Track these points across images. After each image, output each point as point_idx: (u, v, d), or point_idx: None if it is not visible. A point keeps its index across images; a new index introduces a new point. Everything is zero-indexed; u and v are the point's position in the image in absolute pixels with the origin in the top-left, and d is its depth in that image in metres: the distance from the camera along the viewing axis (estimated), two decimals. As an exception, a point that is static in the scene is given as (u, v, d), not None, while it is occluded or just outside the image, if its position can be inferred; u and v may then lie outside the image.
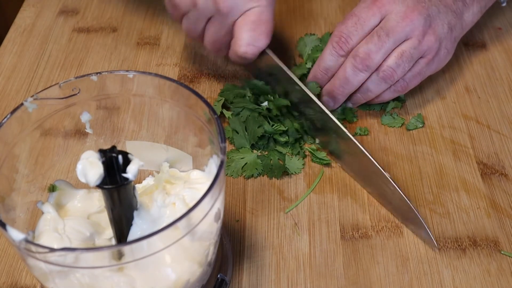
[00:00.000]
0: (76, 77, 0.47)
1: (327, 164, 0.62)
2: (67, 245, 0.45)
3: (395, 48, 0.63)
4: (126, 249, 0.39)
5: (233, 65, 0.73)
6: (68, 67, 0.74)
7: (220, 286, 0.52)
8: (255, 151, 0.63)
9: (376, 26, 0.64)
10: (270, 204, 0.59)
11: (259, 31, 0.62)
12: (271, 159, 0.62)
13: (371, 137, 0.66)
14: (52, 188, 0.50)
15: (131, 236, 0.44)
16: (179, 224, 0.39)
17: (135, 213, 0.44)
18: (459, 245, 0.56)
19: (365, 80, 0.64)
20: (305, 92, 0.62)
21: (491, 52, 0.76)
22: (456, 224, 0.58)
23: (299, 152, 0.63)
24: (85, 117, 0.50)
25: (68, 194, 0.50)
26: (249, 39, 0.62)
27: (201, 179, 0.50)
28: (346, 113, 0.67)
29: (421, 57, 0.64)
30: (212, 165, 0.49)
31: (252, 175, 0.61)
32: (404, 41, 0.63)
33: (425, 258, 0.55)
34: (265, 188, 0.61)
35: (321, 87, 0.66)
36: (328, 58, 0.65)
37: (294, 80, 0.63)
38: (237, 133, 0.63)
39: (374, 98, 0.66)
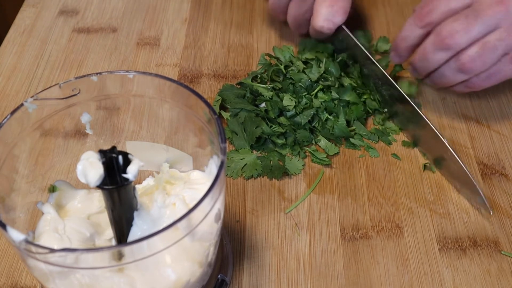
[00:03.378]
0: (76, 78, 0.47)
1: (327, 165, 0.62)
2: (67, 245, 0.45)
3: (481, 37, 0.59)
4: (126, 249, 0.39)
5: (233, 65, 0.73)
6: (68, 67, 0.74)
7: (221, 287, 0.52)
8: (254, 152, 0.63)
9: (467, 5, 0.60)
10: (270, 204, 0.59)
11: (336, 7, 0.67)
12: (270, 160, 0.62)
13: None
14: (52, 189, 0.50)
15: (131, 236, 0.44)
16: (179, 224, 0.39)
17: (135, 214, 0.44)
18: (459, 245, 0.56)
19: (443, 64, 0.62)
20: (380, 70, 0.65)
21: (491, 52, 0.75)
22: (457, 224, 0.58)
23: (299, 153, 0.63)
24: (85, 118, 0.50)
25: (68, 195, 0.50)
26: (327, 14, 0.67)
27: (201, 179, 0.50)
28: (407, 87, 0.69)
29: (506, 54, 0.59)
30: (212, 166, 0.48)
31: (252, 176, 0.61)
32: (492, 30, 0.59)
33: (425, 259, 0.55)
34: (265, 189, 0.61)
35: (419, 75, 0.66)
36: (408, 28, 0.64)
37: (370, 59, 0.66)
38: (236, 134, 0.63)
39: (449, 86, 0.65)
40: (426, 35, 0.62)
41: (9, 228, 0.38)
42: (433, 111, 0.68)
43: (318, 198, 0.60)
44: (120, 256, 0.39)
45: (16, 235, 0.38)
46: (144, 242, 0.38)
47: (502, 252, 0.56)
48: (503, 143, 0.65)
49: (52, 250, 0.37)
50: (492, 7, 0.58)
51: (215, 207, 0.43)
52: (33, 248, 0.38)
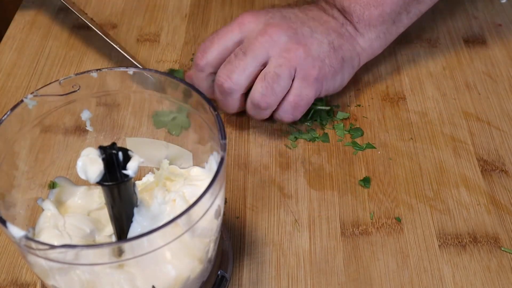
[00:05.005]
0: (76, 74, 0.47)
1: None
2: (67, 242, 0.45)
3: (259, 70, 0.59)
4: (126, 246, 0.39)
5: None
6: (68, 63, 0.74)
7: (221, 283, 0.52)
8: None
9: (239, 42, 0.61)
10: (270, 200, 0.59)
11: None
12: None
13: (371, 134, 0.65)
14: (52, 185, 0.50)
15: (131, 233, 0.44)
16: (179, 221, 0.39)
17: (135, 210, 0.44)
18: (459, 242, 0.56)
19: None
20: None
21: (491, 49, 0.75)
22: (457, 221, 0.58)
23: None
24: (85, 115, 0.50)
25: (68, 191, 0.50)
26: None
27: (201, 176, 0.50)
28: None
29: (294, 77, 0.60)
30: (212, 162, 0.49)
31: None
32: (267, 61, 0.59)
33: (425, 255, 0.55)
34: (265, 185, 0.61)
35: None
36: (194, 76, 0.63)
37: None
38: None
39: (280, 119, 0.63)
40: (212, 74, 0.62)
41: (9, 225, 0.38)
42: (433, 107, 0.68)
43: (318, 195, 0.60)
44: (120, 253, 0.39)
45: (16, 231, 0.38)
46: (144, 238, 0.38)
47: (502, 249, 0.56)
48: (503, 140, 0.65)
49: (52, 247, 0.37)
50: (258, 39, 0.59)
51: (215, 203, 0.43)
52: (33, 245, 0.38)
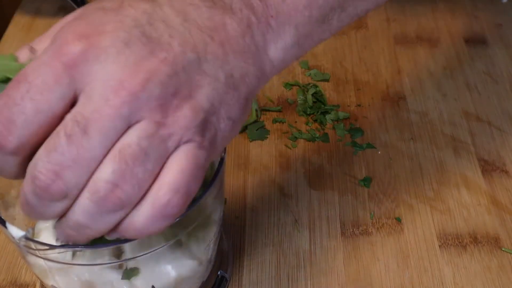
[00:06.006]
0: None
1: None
2: (67, 242, 0.45)
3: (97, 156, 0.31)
4: (126, 246, 0.39)
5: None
6: (68, 63, 0.73)
7: (221, 283, 0.52)
8: None
9: (64, 107, 0.32)
10: (270, 200, 0.59)
11: None
12: None
13: (371, 134, 0.65)
14: None
15: (131, 233, 0.44)
16: (178, 221, 0.39)
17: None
18: (459, 242, 0.56)
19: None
20: None
21: (491, 49, 0.75)
22: (457, 221, 0.58)
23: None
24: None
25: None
26: None
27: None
28: None
29: (171, 152, 0.33)
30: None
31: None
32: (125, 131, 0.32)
33: (425, 255, 0.55)
34: (265, 185, 0.61)
35: None
36: None
37: None
38: None
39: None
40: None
41: (8, 225, 0.38)
42: (433, 107, 0.68)
43: (318, 195, 0.60)
44: (120, 253, 0.39)
45: (16, 231, 0.38)
46: (144, 239, 0.38)
47: (503, 249, 0.56)
48: (504, 140, 0.65)
49: (52, 247, 0.37)
50: (109, 100, 0.31)
51: (215, 203, 0.43)
52: (33, 245, 0.38)
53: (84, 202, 0.32)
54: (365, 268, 0.54)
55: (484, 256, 0.55)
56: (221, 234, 0.52)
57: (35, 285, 0.53)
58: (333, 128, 0.66)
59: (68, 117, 0.31)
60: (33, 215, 0.33)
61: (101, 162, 0.32)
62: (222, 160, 0.42)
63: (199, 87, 0.33)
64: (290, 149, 0.64)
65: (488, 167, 0.62)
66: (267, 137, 0.64)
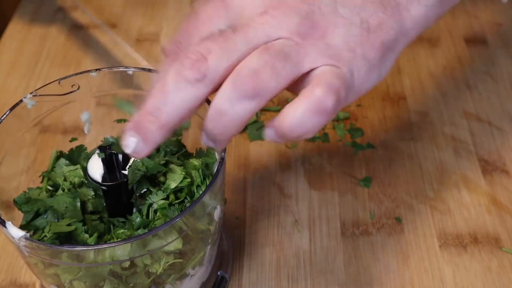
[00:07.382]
0: (76, 74, 0.47)
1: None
2: (67, 242, 0.45)
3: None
4: (126, 246, 0.39)
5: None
6: (67, 63, 0.74)
7: (221, 283, 0.52)
8: None
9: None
10: (270, 200, 0.59)
11: None
12: None
13: (372, 134, 0.65)
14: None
15: (131, 233, 0.44)
16: (178, 221, 0.39)
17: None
18: (460, 242, 0.56)
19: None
20: None
21: (492, 48, 0.75)
22: (457, 221, 0.58)
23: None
24: (85, 117, 0.49)
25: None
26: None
27: (201, 176, 0.50)
28: None
29: (310, 77, 0.38)
30: (212, 162, 0.48)
31: None
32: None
33: (426, 255, 0.55)
34: (265, 185, 0.61)
35: None
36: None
37: None
38: None
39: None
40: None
41: (8, 225, 0.38)
42: (434, 107, 0.68)
43: (318, 195, 0.60)
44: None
45: (16, 232, 0.38)
46: (144, 239, 0.38)
47: (503, 249, 0.56)
48: (504, 140, 0.65)
49: (52, 247, 0.37)
50: (255, 19, 0.38)
51: (215, 203, 0.43)
52: (33, 245, 0.38)
53: (225, 86, 0.36)
54: (365, 268, 0.54)
55: (485, 256, 0.55)
56: (221, 234, 0.52)
57: (35, 285, 0.53)
58: (333, 128, 0.66)
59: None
60: (165, 99, 0.37)
61: (242, 59, 0.36)
62: (222, 160, 0.42)
63: (335, 27, 0.38)
64: (290, 149, 0.64)
65: (489, 167, 0.62)
66: None
